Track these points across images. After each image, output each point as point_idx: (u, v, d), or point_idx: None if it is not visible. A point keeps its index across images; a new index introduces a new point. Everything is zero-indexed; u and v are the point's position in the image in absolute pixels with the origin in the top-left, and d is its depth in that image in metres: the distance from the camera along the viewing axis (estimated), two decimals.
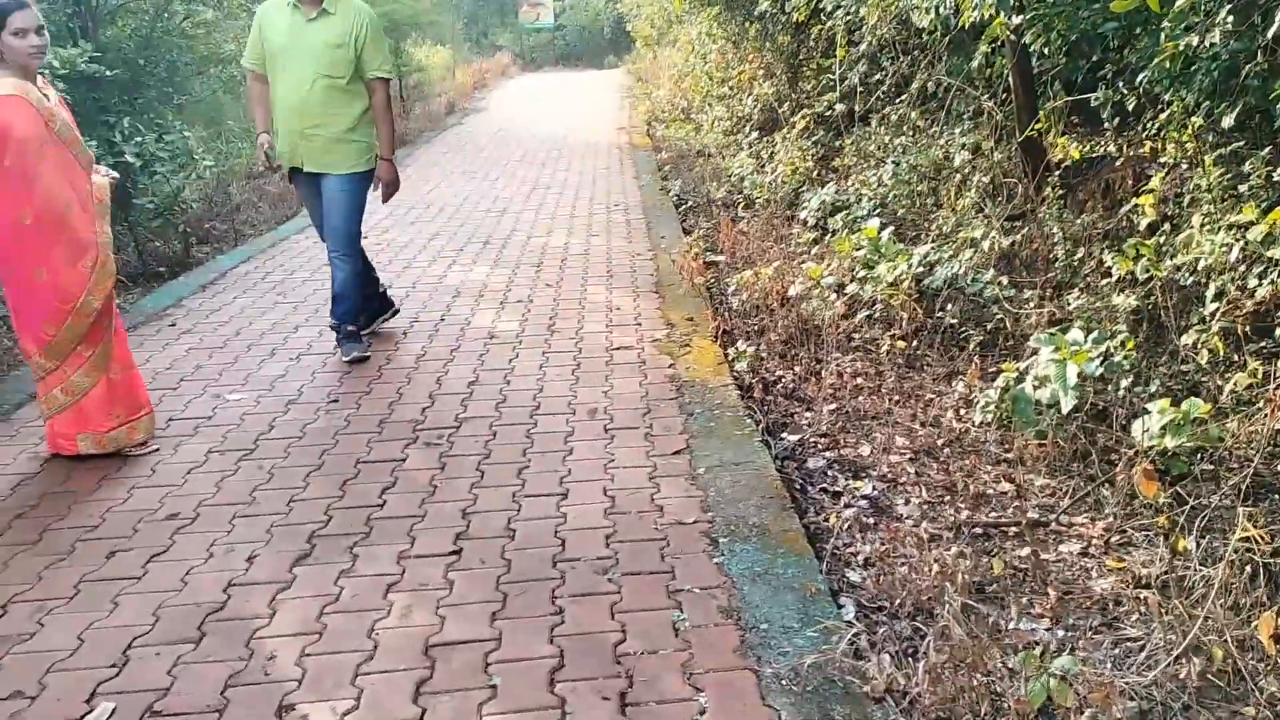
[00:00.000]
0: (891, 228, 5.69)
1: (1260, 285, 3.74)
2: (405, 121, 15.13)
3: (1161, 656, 2.58)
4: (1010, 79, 5.77)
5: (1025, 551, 3.23)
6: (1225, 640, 2.53)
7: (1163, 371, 3.98)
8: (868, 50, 7.50)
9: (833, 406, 4.44)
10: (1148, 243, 4.15)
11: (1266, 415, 3.46)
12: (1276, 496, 3.36)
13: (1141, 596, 2.90)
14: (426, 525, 3.46)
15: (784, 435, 4.25)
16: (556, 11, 32.37)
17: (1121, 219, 4.90)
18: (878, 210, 6.44)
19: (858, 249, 5.41)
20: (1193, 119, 4.40)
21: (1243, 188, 4.16)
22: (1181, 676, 2.50)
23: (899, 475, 3.84)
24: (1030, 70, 5.79)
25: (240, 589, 3.08)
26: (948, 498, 3.65)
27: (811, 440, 4.19)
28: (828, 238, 6.47)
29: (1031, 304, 4.74)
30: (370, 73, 4.95)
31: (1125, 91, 4.90)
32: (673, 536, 3.32)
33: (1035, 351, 3.87)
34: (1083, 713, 2.37)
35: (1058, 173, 5.48)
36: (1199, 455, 3.48)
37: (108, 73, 7.01)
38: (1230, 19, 3.85)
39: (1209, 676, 2.52)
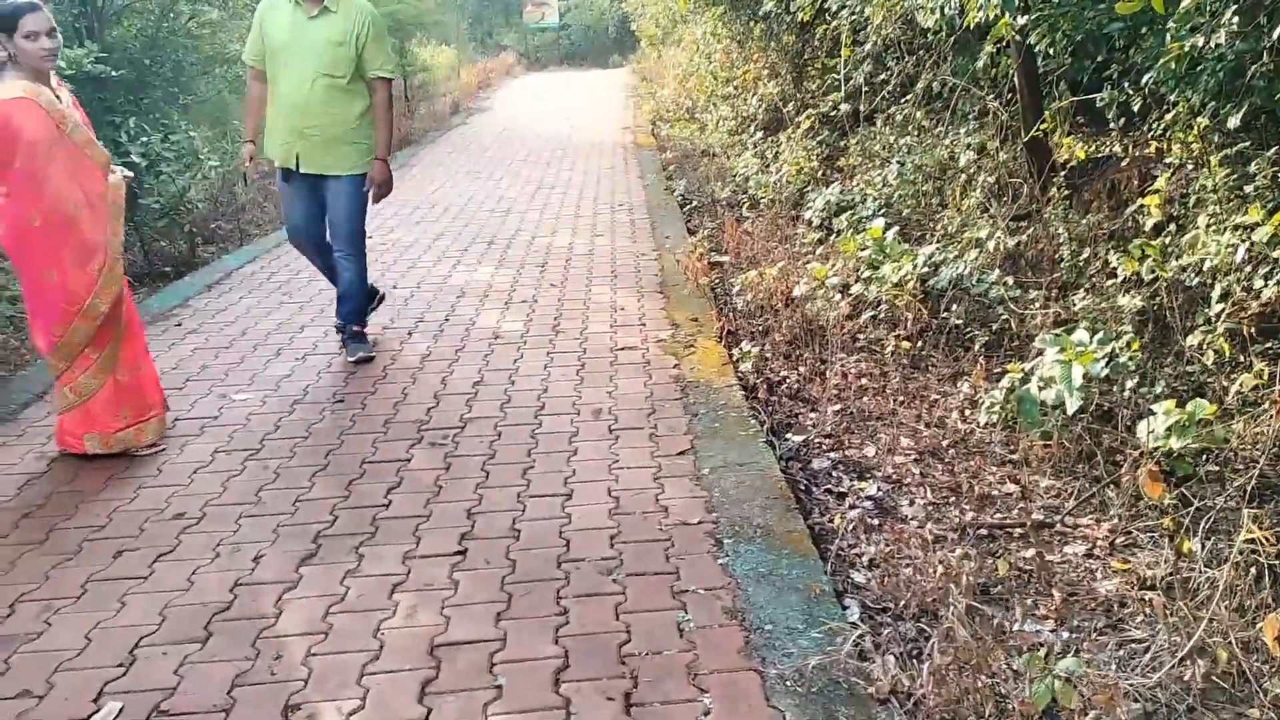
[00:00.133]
0: (896, 228, 5.69)
1: (1266, 286, 3.73)
2: (410, 121, 15.16)
3: (1166, 658, 2.58)
4: (1015, 79, 5.77)
5: (1030, 553, 3.23)
6: (1230, 642, 2.53)
7: (1168, 372, 3.98)
8: (873, 50, 7.50)
9: (837, 407, 4.45)
10: (1153, 243, 4.14)
11: (1272, 416, 3.45)
12: None
13: (1146, 598, 2.90)
14: (432, 525, 3.46)
15: (789, 436, 4.25)
16: (561, 11, 32.39)
17: (1127, 219, 4.90)
18: (883, 210, 6.44)
19: (862, 249, 5.41)
20: (1198, 119, 4.39)
21: (1248, 188, 4.15)
22: (1186, 678, 2.50)
23: (904, 476, 3.84)
24: (1035, 70, 5.79)
25: (247, 589, 3.09)
26: (953, 499, 3.65)
27: (816, 441, 4.20)
28: (832, 238, 6.47)
29: (1037, 304, 4.73)
30: (371, 72, 4.91)
31: (1131, 92, 4.90)
32: (677, 537, 3.32)
33: (1040, 352, 3.87)
34: (1087, 715, 2.37)
35: (1063, 173, 5.48)
36: (1204, 456, 3.48)
37: (113, 73, 7.03)
38: (1236, 20, 3.85)
39: (1214, 678, 2.52)
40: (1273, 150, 4.15)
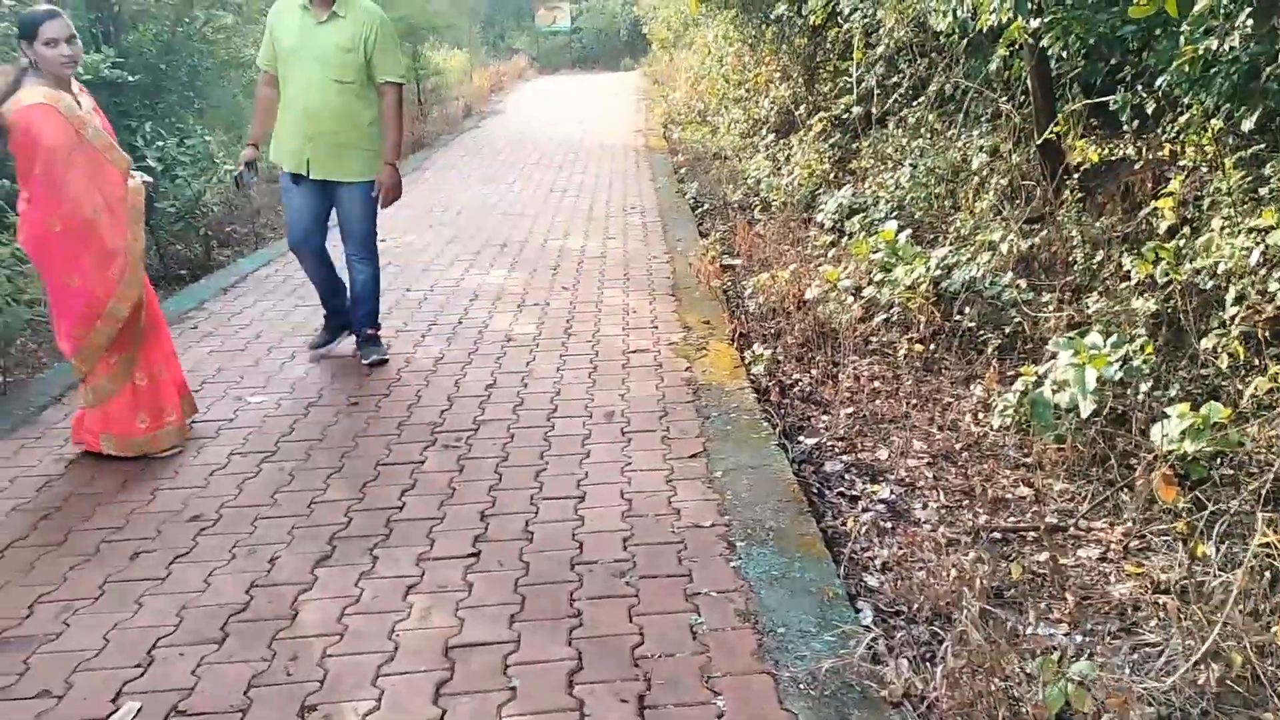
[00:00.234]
0: (909, 230, 5.69)
1: None
2: (422, 125, 15.21)
3: (1180, 662, 2.57)
4: (1028, 82, 5.76)
5: (1044, 556, 3.23)
6: (1244, 646, 2.53)
7: (1182, 376, 3.97)
8: (885, 53, 7.50)
9: (850, 410, 4.45)
10: (1167, 246, 4.13)
11: None
12: None
13: (1160, 602, 2.90)
14: (445, 527, 3.48)
15: (801, 438, 4.26)
16: (573, 14, 32.45)
17: (1141, 222, 4.89)
18: (895, 213, 6.43)
19: (875, 252, 5.41)
20: (1212, 122, 4.38)
21: (1263, 191, 4.14)
22: (1200, 682, 2.50)
23: (917, 479, 3.84)
24: (1049, 73, 5.78)
25: (263, 590, 3.11)
26: (966, 502, 3.65)
27: (829, 444, 4.20)
28: (845, 240, 6.47)
29: (1050, 307, 4.73)
30: (381, 77, 4.88)
31: (1144, 94, 4.89)
32: (690, 540, 3.33)
33: (1054, 355, 3.87)
34: (1100, 718, 2.37)
35: (1076, 175, 5.47)
36: (1219, 460, 3.47)
37: (129, 78, 7.08)
38: (1250, 22, 3.84)
39: (1228, 682, 2.52)
40: None
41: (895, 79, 7.69)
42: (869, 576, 3.20)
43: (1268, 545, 2.74)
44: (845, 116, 8.47)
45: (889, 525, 3.49)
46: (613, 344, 5.42)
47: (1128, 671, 2.62)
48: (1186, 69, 4.14)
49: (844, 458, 4.06)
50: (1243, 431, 3.45)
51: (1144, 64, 5.00)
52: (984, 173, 6.17)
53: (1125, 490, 3.50)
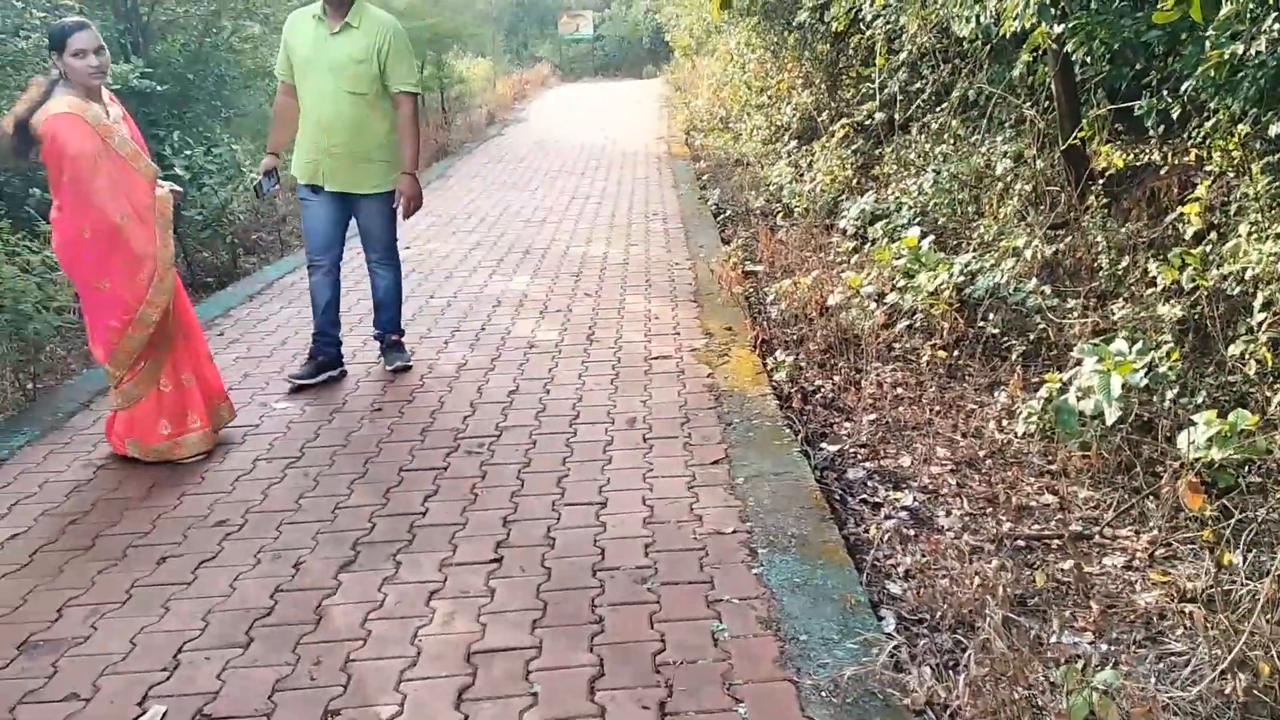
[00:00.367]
0: (932, 236, 5.67)
1: None
2: (446, 133, 15.31)
3: (1206, 672, 2.55)
4: (1053, 87, 5.73)
5: (1068, 564, 3.20)
6: (1272, 655, 2.50)
7: (1209, 382, 3.93)
8: (908, 59, 7.47)
9: (872, 417, 4.43)
10: (1193, 252, 4.10)
11: None
12: None
13: (1186, 611, 2.87)
14: (468, 533, 3.50)
15: (823, 445, 4.25)
16: (596, 22, 32.57)
17: (1167, 228, 4.85)
18: (918, 219, 6.41)
19: (898, 258, 5.39)
20: (1239, 127, 4.35)
21: None
22: (1227, 692, 2.47)
23: (940, 486, 3.82)
24: (1073, 78, 5.75)
25: (287, 595, 3.14)
26: (989, 510, 3.63)
27: (851, 450, 4.19)
28: (867, 247, 6.46)
29: (1075, 314, 4.70)
30: (395, 87, 4.81)
31: (1170, 99, 4.85)
32: (711, 546, 3.33)
33: (1079, 362, 3.85)
34: None
35: (1101, 181, 5.43)
36: (1246, 468, 3.43)
37: (158, 87, 7.18)
38: (1277, 26, 3.81)
39: (1255, 692, 2.48)
40: None
41: (918, 85, 7.67)
42: (891, 584, 3.19)
43: None
44: (868, 122, 8.46)
45: (912, 532, 3.48)
46: (635, 350, 5.43)
47: (1153, 681, 2.60)
48: (1212, 74, 4.10)
49: (866, 464, 4.05)
50: (1270, 439, 3.40)
51: (1169, 69, 4.97)
52: (1008, 178, 6.14)
53: (1151, 498, 3.47)
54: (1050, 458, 3.92)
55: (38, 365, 5.31)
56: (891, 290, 5.34)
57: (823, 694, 2.56)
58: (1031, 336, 4.76)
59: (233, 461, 4.17)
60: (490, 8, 28.74)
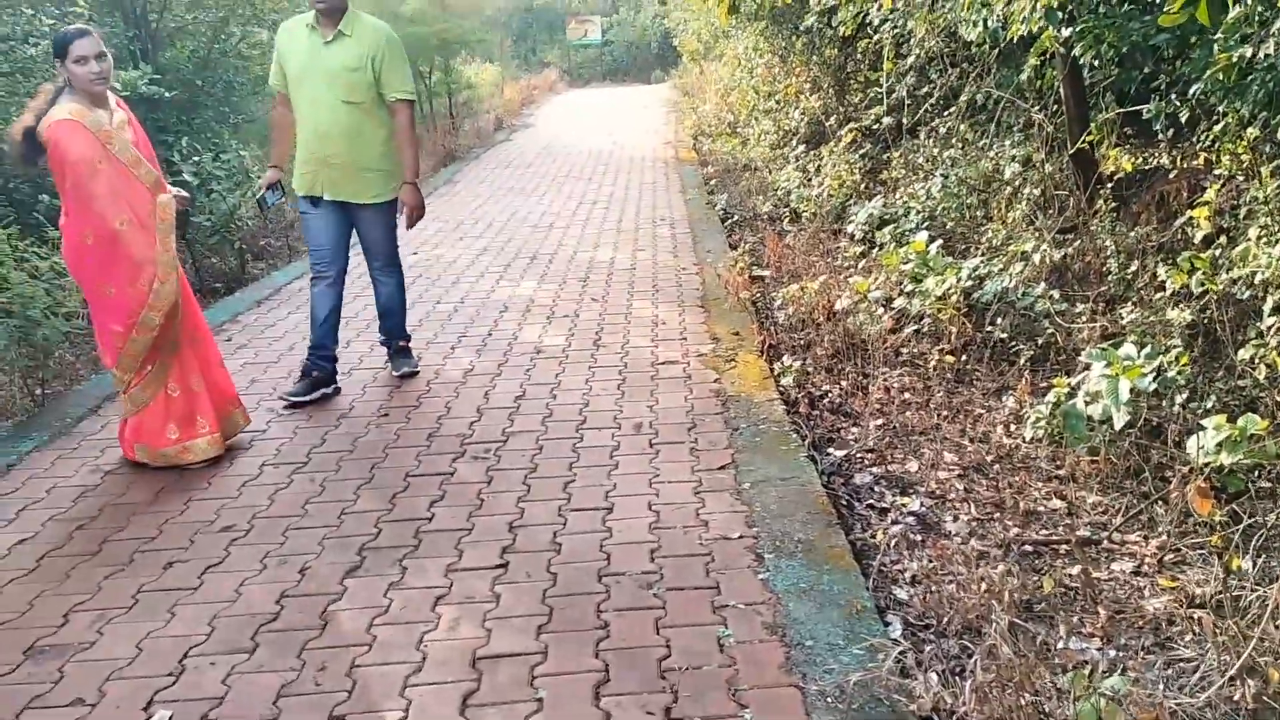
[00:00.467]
0: (940, 241, 5.65)
1: None
2: (454, 138, 15.35)
3: (1215, 678, 2.53)
4: (1061, 91, 5.72)
5: (1076, 570, 3.19)
6: None
7: (1219, 387, 3.91)
8: (915, 63, 7.47)
9: (880, 422, 4.42)
10: (1203, 256, 4.08)
11: None
12: None
13: (1195, 616, 2.85)
14: (474, 538, 3.49)
15: (830, 450, 4.23)
16: (604, 28, 32.60)
17: (1176, 232, 4.83)
18: (926, 223, 6.40)
19: (905, 262, 5.38)
20: (1248, 130, 4.32)
21: None
22: (1235, 698, 2.45)
23: (947, 491, 3.81)
24: (1082, 82, 5.73)
25: (293, 600, 3.14)
26: (997, 515, 3.62)
27: (858, 456, 4.17)
28: (875, 251, 6.45)
29: (1083, 318, 4.68)
30: (391, 95, 4.78)
31: (1179, 103, 4.83)
32: (718, 552, 3.32)
33: (1087, 366, 3.83)
34: None
35: (1110, 185, 5.42)
36: (1256, 473, 3.41)
37: (166, 94, 7.21)
38: None
39: (1264, 699, 2.46)
40: None
41: (926, 89, 7.67)
42: (898, 589, 3.17)
43: None
44: (876, 127, 8.45)
45: (919, 538, 3.46)
46: (642, 355, 5.43)
47: (1161, 687, 2.58)
48: (1221, 77, 4.08)
49: (874, 470, 4.03)
50: None
51: (1178, 72, 4.95)
52: (1016, 183, 6.12)
53: (1160, 503, 3.45)
54: (1058, 463, 3.90)
55: (46, 371, 5.33)
56: (899, 295, 5.33)
57: (828, 700, 2.55)
58: (1040, 341, 4.74)
59: (240, 467, 4.18)
60: (499, 13, 28.79)
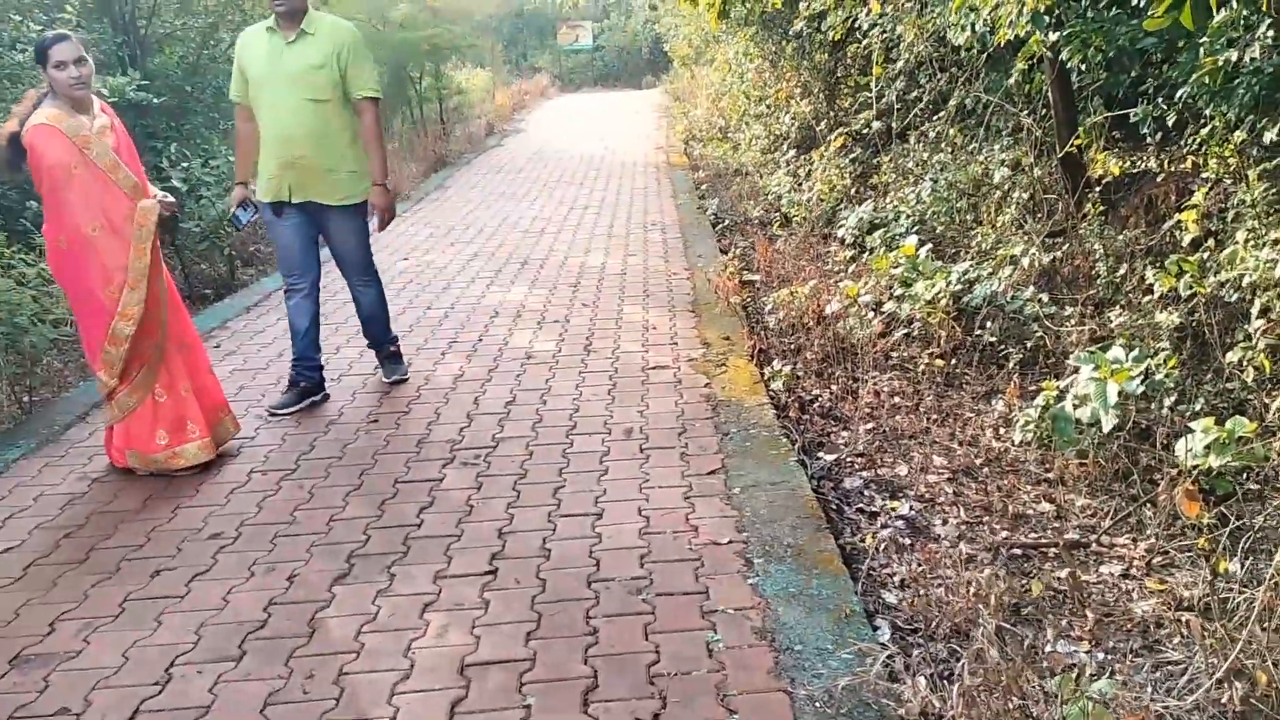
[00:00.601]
0: (930, 245, 5.66)
1: None
2: (445, 144, 15.32)
3: (1203, 680, 2.53)
4: (1049, 95, 5.74)
5: (1064, 573, 3.19)
6: (1268, 664, 2.48)
7: (1207, 390, 3.92)
8: (905, 68, 7.49)
9: (869, 426, 4.42)
10: (1191, 259, 4.10)
11: None
12: None
13: (1183, 619, 2.86)
14: (463, 545, 3.48)
15: (820, 455, 4.23)
16: (595, 33, 32.64)
17: (1164, 235, 4.85)
18: (916, 228, 6.41)
19: (895, 267, 5.39)
20: (1235, 134, 4.35)
21: None
22: (1223, 701, 2.45)
23: (936, 495, 3.81)
24: (1070, 86, 5.75)
25: (281, 608, 3.13)
26: (986, 518, 3.62)
27: (848, 460, 4.18)
28: (865, 256, 6.45)
29: (1072, 321, 4.69)
30: (356, 93, 4.67)
31: (1166, 106, 4.85)
32: (707, 557, 3.32)
33: (1076, 370, 3.84)
34: None
35: (1098, 188, 5.43)
36: (1244, 475, 3.42)
37: (155, 100, 7.19)
38: (1271, 33, 3.81)
39: (1252, 701, 2.47)
40: None
41: (915, 94, 7.68)
42: (887, 593, 3.17)
43: None
44: (866, 132, 8.47)
45: (908, 542, 3.46)
46: (632, 361, 5.42)
47: (1149, 690, 2.58)
48: (1208, 80, 4.11)
49: (863, 474, 4.04)
50: (1268, 446, 3.40)
51: (1165, 76, 4.97)
52: (1005, 187, 6.14)
53: (1148, 506, 3.46)
54: (1047, 466, 3.91)
55: (34, 378, 5.31)
56: (889, 299, 5.33)
57: (817, 705, 2.55)
58: (1029, 344, 4.75)
59: (228, 474, 4.17)
60: (489, 19, 28.80)
